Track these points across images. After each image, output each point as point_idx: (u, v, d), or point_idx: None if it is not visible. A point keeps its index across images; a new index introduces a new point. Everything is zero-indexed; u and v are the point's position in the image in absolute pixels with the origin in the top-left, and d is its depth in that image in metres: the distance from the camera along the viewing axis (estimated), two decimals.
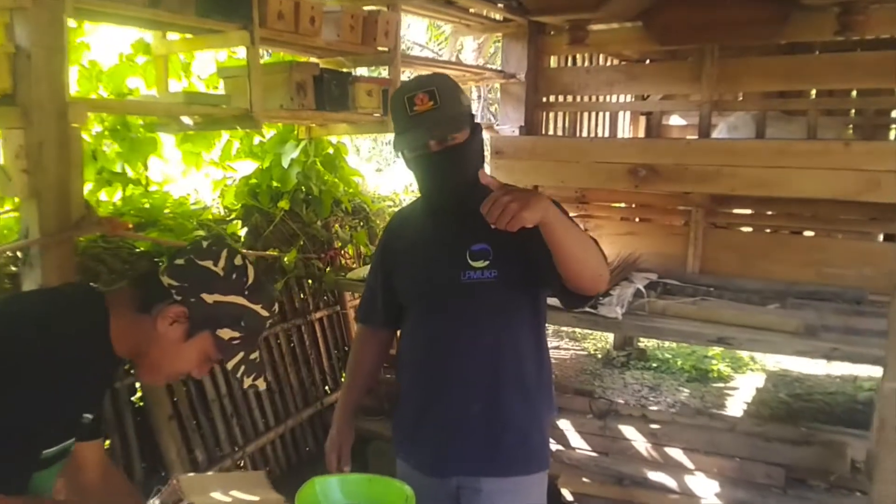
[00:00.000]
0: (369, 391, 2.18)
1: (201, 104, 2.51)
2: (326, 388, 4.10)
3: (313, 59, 3.44)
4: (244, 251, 1.48)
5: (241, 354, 1.44)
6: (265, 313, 1.46)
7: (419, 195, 1.93)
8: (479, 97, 10.55)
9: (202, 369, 1.46)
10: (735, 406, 5.15)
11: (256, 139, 3.83)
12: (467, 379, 1.79)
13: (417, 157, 1.72)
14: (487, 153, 5.09)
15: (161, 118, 2.88)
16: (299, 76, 2.86)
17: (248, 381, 1.46)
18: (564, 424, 3.38)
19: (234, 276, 1.40)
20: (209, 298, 1.38)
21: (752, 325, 2.98)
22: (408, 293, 1.90)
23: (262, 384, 1.49)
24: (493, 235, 1.54)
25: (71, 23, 2.71)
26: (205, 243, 1.43)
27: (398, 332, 2.03)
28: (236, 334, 1.41)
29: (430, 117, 1.65)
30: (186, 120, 2.82)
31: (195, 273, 1.38)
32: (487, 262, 1.73)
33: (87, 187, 2.82)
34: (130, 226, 2.52)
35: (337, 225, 4.28)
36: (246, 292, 1.41)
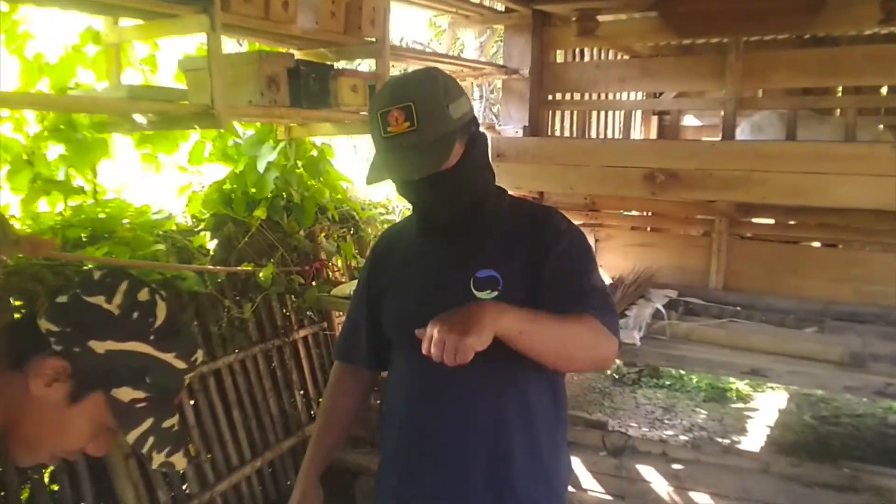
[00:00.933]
0: (345, 441, 1.83)
1: (150, 99, 2.16)
2: (312, 412, 3.73)
3: (293, 51, 3.10)
4: (154, 288, 1.06)
5: (150, 422, 1.08)
6: (182, 365, 1.10)
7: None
8: (481, 97, 10.14)
9: (99, 444, 1.10)
10: (757, 430, 4.80)
11: (232, 140, 3.47)
12: (466, 444, 1.47)
13: (400, 186, 1.48)
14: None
15: (112, 117, 2.53)
16: (270, 68, 2.51)
17: (158, 459, 1.10)
18: (575, 462, 3.02)
19: (134, 315, 1.05)
20: (100, 347, 1.03)
21: (790, 353, 2.67)
22: (396, 330, 1.59)
23: (180, 462, 1.12)
24: (502, 259, 1.39)
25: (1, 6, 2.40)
26: (97, 274, 1.07)
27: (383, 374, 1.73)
28: (140, 394, 1.06)
29: (407, 142, 1.37)
30: (139, 118, 2.47)
31: (81, 314, 1.03)
32: (496, 293, 1.43)
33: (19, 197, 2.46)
34: (57, 244, 2.15)
35: (323, 235, 3.94)
36: (152, 337, 1.06)
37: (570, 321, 1.35)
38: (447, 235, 1.51)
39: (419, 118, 1.35)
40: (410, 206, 1.57)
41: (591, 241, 4.06)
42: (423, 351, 1.23)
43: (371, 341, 1.65)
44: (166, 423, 1.09)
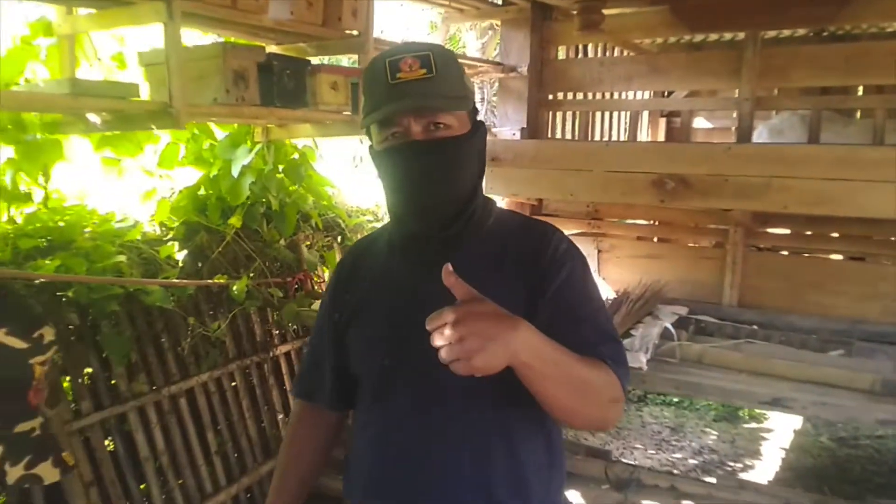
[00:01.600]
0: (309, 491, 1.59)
1: (97, 96, 1.92)
2: None
3: (272, 46, 2.88)
4: None
5: None
6: (20, 344, 0.88)
7: (387, 220, 1.42)
8: (483, 98, 9.85)
9: None
10: (771, 454, 4.55)
11: (208, 142, 3.25)
12: (443, 501, 1.24)
13: (392, 148, 1.22)
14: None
15: (66, 116, 2.32)
16: (237, 62, 2.30)
17: (15, 473, 0.87)
18: (574, 497, 2.78)
19: None
20: None
21: (814, 379, 2.41)
22: (364, 367, 1.36)
23: (49, 474, 0.89)
24: (487, 283, 1.12)
25: None
26: None
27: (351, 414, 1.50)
28: None
29: (420, 87, 1.17)
30: (93, 118, 2.25)
31: None
32: None
33: None
34: None
35: (306, 244, 3.71)
36: None
37: (594, 371, 1.15)
38: (425, 247, 1.28)
39: (438, 67, 1.18)
40: (387, 203, 1.33)
41: (593, 251, 3.83)
42: (428, 326, 1.02)
43: (336, 378, 1.42)
44: (21, 427, 0.87)
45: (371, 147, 1.29)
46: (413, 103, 1.17)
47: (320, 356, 1.45)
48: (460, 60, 3.82)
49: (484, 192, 1.34)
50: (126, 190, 3.05)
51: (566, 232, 3.92)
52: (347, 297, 1.38)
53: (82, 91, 1.94)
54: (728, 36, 4.60)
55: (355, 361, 1.36)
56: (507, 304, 1.14)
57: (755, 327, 3.06)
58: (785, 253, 3.50)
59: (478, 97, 9.49)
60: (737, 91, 3.48)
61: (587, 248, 3.81)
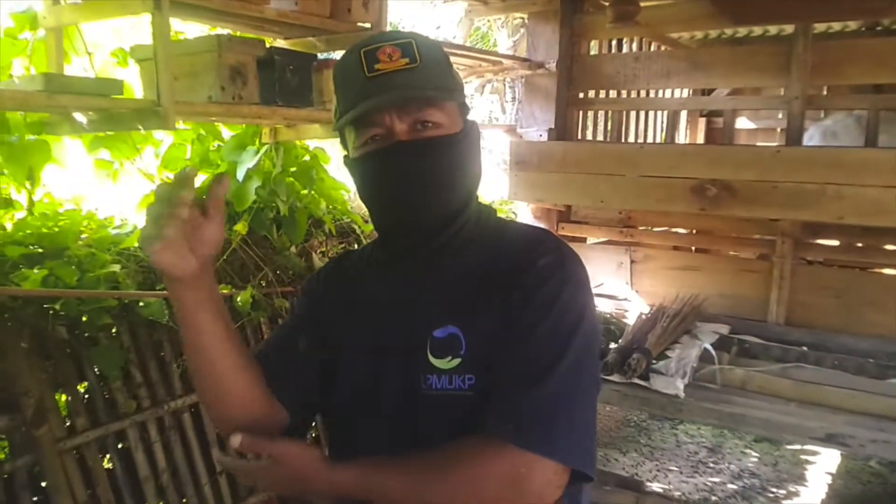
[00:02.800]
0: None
1: (74, 93, 1.76)
2: None
3: (279, 41, 2.72)
4: None
5: None
6: None
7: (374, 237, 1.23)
8: (514, 98, 9.58)
9: None
10: (816, 479, 4.27)
11: (216, 143, 3.10)
12: None
13: (373, 152, 1.05)
14: (499, 165, 4.30)
15: (52, 116, 2.17)
16: (234, 57, 2.13)
17: None
18: None
19: None
20: None
21: (874, 411, 2.16)
22: (334, 406, 1.18)
23: None
24: (467, 308, 1.04)
25: None
26: None
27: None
28: None
29: (403, 79, 1.00)
30: (80, 117, 2.09)
31: None
32: (458, 361, 1.03)
33: None
34: None
35: (322, 250, 3.55)
36: None
37: (436, 469, 0.96)
38: (412, 260, 1.10)
39: (422, 55, 1.01)
40: (370, 216, 1.13)
41: (625, 261, 3.59)
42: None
43: (296, 383, 1.17)
44: None
45: (345, 156, 1.11)
46: (396, 95, 0.99)
47: (292, 352, 1.19)
48: (478, 55, 3.66)
49: (480, 201, 1.15)
50: (125, 194, 2.91)
51: (594, 240, 3.65)
52: (327, 312, 1.19)
53: (59, 88, 1.78)
54: (773, 30, 4.35)
55: (339, 395, 1.16)
56: (481, 330, 1.02)
57: (805, 349, 2.81)
58: (839, 266, 3.23)
59: (509, 96, 9.27)
60: (783, 89, 3.23)
61: (619, 258, 3.59)
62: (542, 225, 3.73)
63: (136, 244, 2.75)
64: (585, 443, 0.98)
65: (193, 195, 0.93)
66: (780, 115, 4.91)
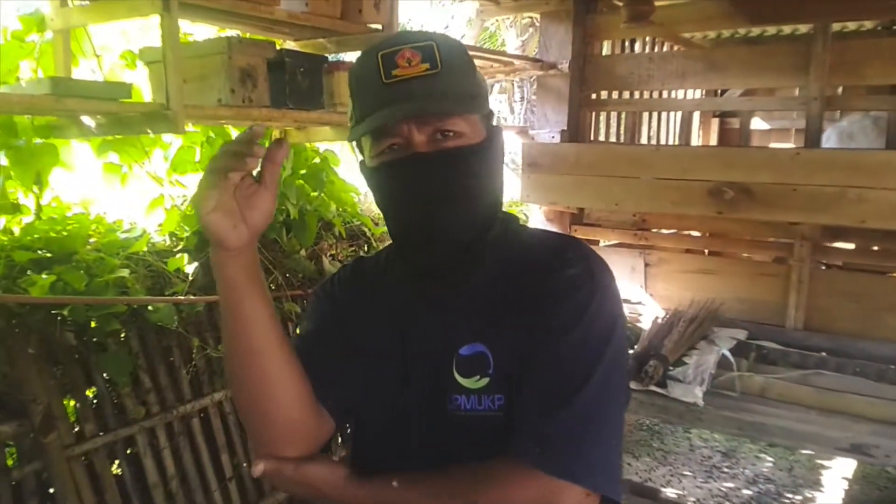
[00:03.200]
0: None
1: (81, 97, 1.73)
2: None
3: (289, 42, 2.69)
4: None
5: None
6: None
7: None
8: (523, 98, 9.49)
9: None
10: (833, 484, 4.22)
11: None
12: None
13: (389, 163, 0.99)
14: (514, 170, 4.24)
15: (60, 120, 2.14)
16: (244, 59, 2.09)
17: None
18: None
19: None
20: None
21: None
22: (355, 423, 1.15)
23: None
24: (493, 325, 0.99)
25: None
26: None
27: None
28: None
29: (422, 87, 0.94)
30: (88, 121, 2.07)
31: None
32: (487, 380, 0.98)
33: None
34: None
35: (332, 253, 3.51)
36: None
37: (463, 492, 0.93)
38: (436, 282, 1.04)
39: (444, 60, 0.94)
40: (388, 229, 1.09)
41: (639, 264, 3.53)
42: None
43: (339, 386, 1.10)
44: None
45: (362, 163, 1.05)
46: (414, 107, 0.94)
47: (329, 355, 1.11)
48: (490, 56, 3.61)
49: (504, 210, 1.10)
50: (134, 197, 2.87)
51: (608, 242, 3.58)
52: (346, 321, 1.13)
53: (66, 91, 1.75)
54: (787, 29, 4.28)
55: (365, 413, 1.12)
56: (508, 348, 0.97)
57: (824, 355, 2.74)
58: (859, 271, 3.16)
59: (517, 96, 9.20)
60: (797, 89, 3.16)
61: (633, 262, 3.53)
62: (556, 228, 3.68)
63: (146, 248, 2.73)
64: (614, 466, 0.95)
65: (260, 155, 0.86)
66: (795, 116, 4.85)
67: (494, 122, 1.05)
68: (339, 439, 3.22)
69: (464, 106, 0.97)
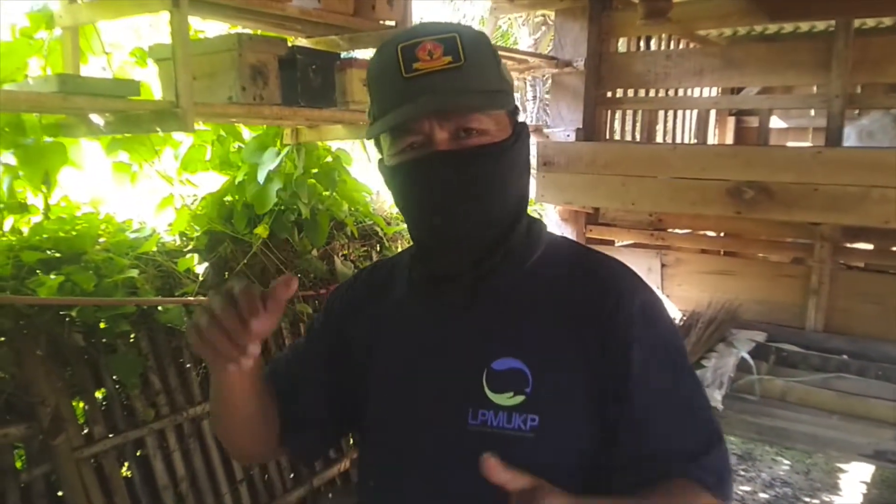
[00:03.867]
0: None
1: (89, 94, 1.69)
2: (332, 454, 3.29)
3: (301, 39, 2.65)
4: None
5: None
6: None
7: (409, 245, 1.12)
8: (535, 97, 9.41)
9: None
10: (851, 487, 4.13)
11: (237, 144, 3.04)
12: None
13: (409, 162, 0.94)
14: (532, 171, 4.19)
15: (69, 118, 2.12)
16: (255, 56, 2.06)
17: None
18: None
19: None
20: None
21: None
22: (371, 434, 1.08)
23: None
24: (533, 341, 0.93)
25: None
26: None
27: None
28: None
29: (445, 81, 0.89)
30: (96, 119, 2.04)
31: None
32: (522, 398, 0.93)
33: None
34: None
35: (344, 253, 3.48)
36: None
37: None
38: (453, 287, 0.99)
39: (467, 53, 0.90)
40: (408, 231, 1.05)
41: (656, 265, 3.48)
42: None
43: (312, 417, 1.11)
44: None
45: (380, 161, 1.00)
46: (436, 102, 0.88)
47: (306, 377, 1.11)
48: (505, 53, 3.56)
49: (530, 214, 1.05)
50: (144, 197, 2.85)
51: (624, 243, 3.53)
52: (351, 334, 1.09)
53: (74, 89, 1.72)
54: (805, 27, 4.21)
55: (369, 429, 1.08)
56: (552, 367, 0.92)
57: (845, 357, 2.68)
58: (880, 272, 3.09)
59: (529, 94, 9.13)
60: (816, 87, 3.10)
61: (649, 262, 3.48)
62: (570, 228, 3.64)
63: (155, 248, 2.71)
64: None
65: (254, 314, 0.83)
66: (812, 114, 4.78)
67: (520, 119, 1.00)
68: (352, 440, 3.20)
69: (489, 102, 0.92)
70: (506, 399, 0.92)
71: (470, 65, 0.89)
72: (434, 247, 0.99)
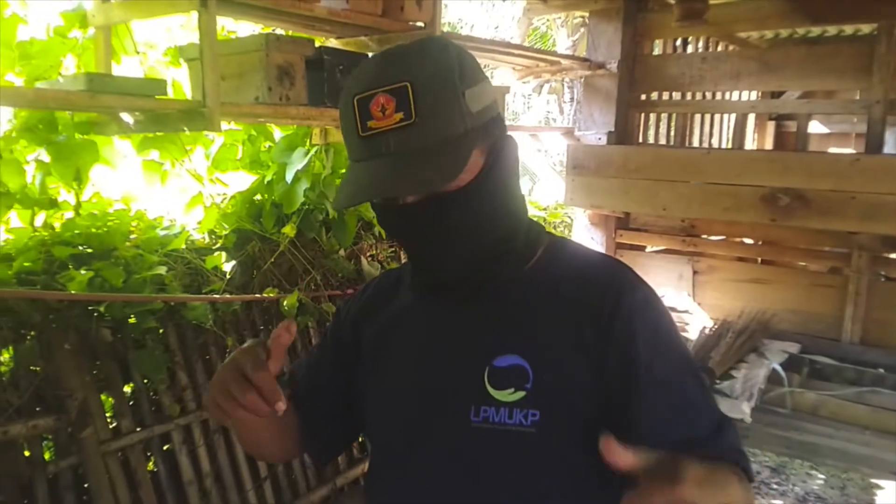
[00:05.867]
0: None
1: (117, 93, 1.72)
2: (354, 453, 3.29)
3: (332, 41, 2.66)
4: None
5: None
6: None
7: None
8: (573, 99, 9.34)
9: None
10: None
11: (267, 144, 3.07)
12: None
13: (380, 208, 0.99)
14: (562, 166, 4.15)
15: (100, 116, 2.15)
16: (281, 57, 2.07)
17: None
18: None
19: None
20: None
21: None
22: (376, 435, 1.11)
23: None
24: (532, 338, 0.96)
25: None
26: None
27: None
28: None
29: (399, 143, 0.89)
30: (126, 118, 2.07)
31: None
32: (523, 394, 0.94)
33: None
34: None
35: (371, 253, 3.49)
36: None
37: (739, 490, 0.86)
38: (451, 295, 1.02)
39: (418, 106, 0.88)
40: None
41: (687, 272, 3.42)
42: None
43: (328, 421, 1.15)
44: None
45: None
46: (389, 178, 0.89)
47: (322, 377, 1.16)
48: (536, 55, 3.52)
49: (528, 218, 1.05)
50: (175, 194, 2.88)
51: (654, 248, 3.46)
52: (360, 338, 1.13)
53: (101, 88, 1.74)
54: (849, 30, 4.10)
55: (371, 431, 1.12)
56: (551, 363, 0.94)
57: (881, 371, 2.60)
58: None
59: (567, 97, 9.07)
60: (859, 92, 3.01)
61: (681, 269, 3.42)
62: (600, 233, 3.60)
63: (184, 245, 2.74)
64: None
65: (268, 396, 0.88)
66: (855, 120, 4.66)
67: (502, 133, 0.99)
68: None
69: (444, 166, 0.90)
70: (507, 395, 0.94)
71: (421, 119, 0.88)
72: (423, 270, 1.03)
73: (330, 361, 1.15)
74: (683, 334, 3.00)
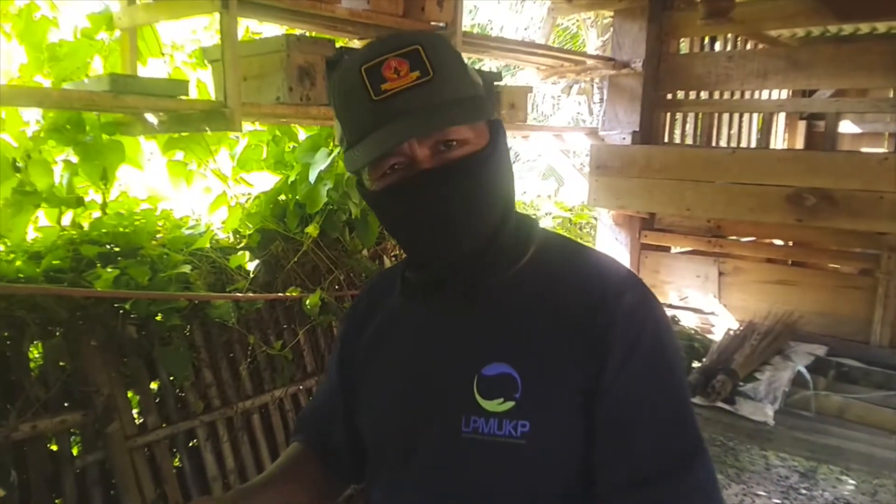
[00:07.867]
0: None
1: (138, 93, 1.76)
2: None
3: (354, 41, 2.68)
4: None
5: None
6: None
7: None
8: (602, 100, 9.26)
9: None
10: None
11: (292, 144, 3.11)
12: None
13: (395, 186, 0.92)
14: (580, 169, 4.11)
15: (126, 117, 2.20)
16: (302, 57, 2.09)
17: None
18: None
19: None
20: None
21: None
22: (370, 443, 1.10)
23: None
24: (522, 346, 0.92)
25: None
26: None
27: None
28: None
29: (418, 98, 0.86)
30: (151, 118, 2.11)
31: None
32: (512, 404, 0.90)
33: None
34: None
35: (394, 253, 3.50)
36: None
37: None
38: (442, 299, 0.99)
39: (434, 63, 0.87)
40: (400, 228, 1.02)
41: (713, 273, 3.38)
42: None
43: (349, 437, 1.14)
44: None
45: (359, 184, 0.98)
46: (414, 123, 0.86)
47: (333, 406, 1.17)
48: (559, 55, 3.51)
49: (518, 212, 1.02)
50: (200, 194, 2.92)
51: (680, 249, 3.42)
52: (357, 349, 1.11)
53: (123, 88, 1.78)
54: (881, 28, 4.02)
55: (366, 439, 1.10)
56: (541, 372, 0.90)
57: None
58: None
59: (596, 98, 9.01)
60: (892, 91, 2.95)
61: (706, 270, 3.38)
62: (624, 234, 3.57)
63: (209, 245, 2.78)
64: None
65: None
66: (888, 119, 4.56)
67: (494, 115, 0.97)
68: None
69: (465, 111, 0.89)
70: (496, 405, 0.91)
71: (439, 76, 0.87)
72: (427, 258, 0.99)
73: (336, 388, 1.15)
74: (709, 336, 2.97)
